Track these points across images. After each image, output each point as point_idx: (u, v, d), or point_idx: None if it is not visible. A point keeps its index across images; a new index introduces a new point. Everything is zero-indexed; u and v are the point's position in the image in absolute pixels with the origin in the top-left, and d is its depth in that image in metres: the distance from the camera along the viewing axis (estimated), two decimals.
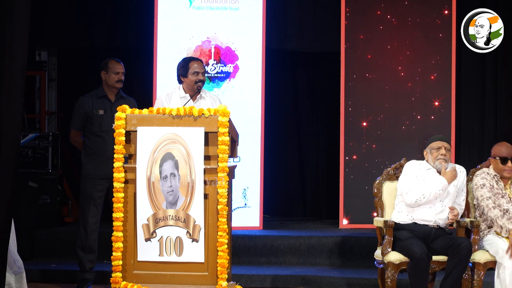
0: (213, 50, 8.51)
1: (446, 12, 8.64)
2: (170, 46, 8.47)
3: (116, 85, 7.31)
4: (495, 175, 6.65)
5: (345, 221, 8.64)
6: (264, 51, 8.53)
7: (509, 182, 6.65)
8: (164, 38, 8.48)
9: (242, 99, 8.50)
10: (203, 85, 6.94)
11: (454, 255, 6.34)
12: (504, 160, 6.59)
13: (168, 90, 7.18)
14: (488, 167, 6.73)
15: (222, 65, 8.51)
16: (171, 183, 6.10)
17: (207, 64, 8.44)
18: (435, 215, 6.51)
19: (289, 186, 9.63)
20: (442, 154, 6.52)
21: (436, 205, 6.51)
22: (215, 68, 8.48)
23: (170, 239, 6.13)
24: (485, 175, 6.64)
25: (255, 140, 8.49)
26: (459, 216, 6.57)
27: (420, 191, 6.48)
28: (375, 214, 6.91)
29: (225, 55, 8.52)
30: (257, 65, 8.50)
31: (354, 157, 8.68)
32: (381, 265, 6.61)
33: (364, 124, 8.70)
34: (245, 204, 8.45)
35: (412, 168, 6.61)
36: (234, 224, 6.65)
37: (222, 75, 8.53)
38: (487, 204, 6.56)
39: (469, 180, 6.76)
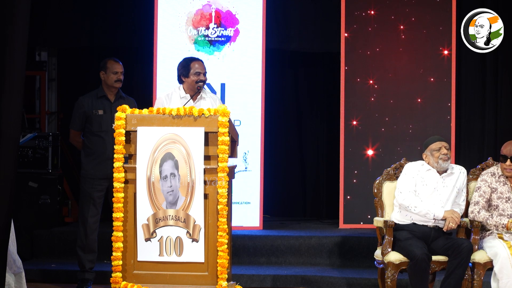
0: (213, 14, 8.53)
1: (446, 12, 8.64)
2: (171, 11, 8.48)
3: (115, 85, 7.31)
4: (501, 175, 6.62)
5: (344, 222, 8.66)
6: (264, 51, 8.53)
7: None
8: (164, 38, 8.48)
9: (242, 62, 8.53)
10: (204, 85, 6.95)
11: (455, 256, 6.34)
12: (503, 158, 6.57)
13: (168, 90, 7.19)
14: (497, 165, 6.69)
15: (223, 29, 8.53)
16: (171, 183, 6.10)
17: (208, 28, 8.47)
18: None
19: (289, 186, 9.63)
20: (444, 154, 6.52)
21: (436, 206, 6.51)
22: (215, 32, 8.50)
23: (170, 239, 6.13)
24: (487, 177, 6.60)
25: (255, 140, 8.50)
26: (459, 217, 6.55)
27: (416, 202, 6.47)
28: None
29: (225, 19, 8.53)
30: (258, 29, 8.52)
31: (354, 157, 8.68)
32: (381, 265, 6.61)
33: (364, 124, 8.69)
34: (246, 168, 8.46)
35: (411, 169, 6.61)
36: (234, 224, 6.65)
37: (223, 38, 8.54)
38: (472, 210, 6.54)
39: (469, 180, 6.76)
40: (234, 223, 6.68)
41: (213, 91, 8.33)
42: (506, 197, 6.55)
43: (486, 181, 6.59)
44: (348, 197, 8.64)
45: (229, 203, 6.18)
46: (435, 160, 6.54)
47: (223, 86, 8.48)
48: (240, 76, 8.51)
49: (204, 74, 6.93)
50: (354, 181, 8.66)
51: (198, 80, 6.89)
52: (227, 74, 8.51)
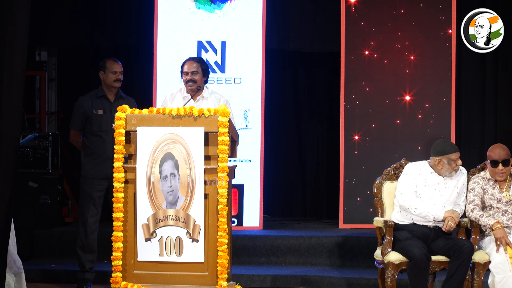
0: None
1: (446, 12, 8.64)
2: None
3: (114, 85, 7.31)
4: (490, 178, 6.64)
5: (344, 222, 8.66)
6: (264, 51, 8.53)
7: (505, 185, 6.62)
8: (164, 38, 8.48)
9: (243, 20, 8.52)
10: (196, 84, 6.90)
11: (457, 256, 6.33)
12: (494, 163, 6.56)
13: (174, 89, 7.21)
14: (485, 169, 6.72)
15: None
16: (171, 183, 6.10)
17: None
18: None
19: (289, 186, 9.63)
20: (458, 165, 6.52)
21: (436, 207, 6.51)
22: None
23: (170, 239, 6.13)
24: (478, 179, 6.62)
25: (256, 98, 8.51)
26: (459, 217, 6.55)
27: (416, 204, 6.46)
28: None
29: None
30: (258, 29, 8.51)
31: (354, 157, 8.68)
32: (381, 265, 6.61)
33: (364, 124, 8.69)
34: (246, 126, 8.46)
35: (411, 170, 6.59)
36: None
37: None
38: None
39: (469, 180, 6.76)
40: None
41: (214, 50, 8.36)
42: (497, 199, 6.56)
43: (478, 183, 6.62)
44: (348, 197, 8.65)
45: (229, 203, 6.18)
46: (450, 169, 6.50)
47: (223, 44, 8.50)
48: (240, 34, 8.51)
49: (193, 73, 6.90)
50: (354, 180, 8.66)
51: (186, 80, 6.91)
52: (227, 32, 8.51)
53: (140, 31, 9.07)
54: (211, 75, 8.25)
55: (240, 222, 8.45)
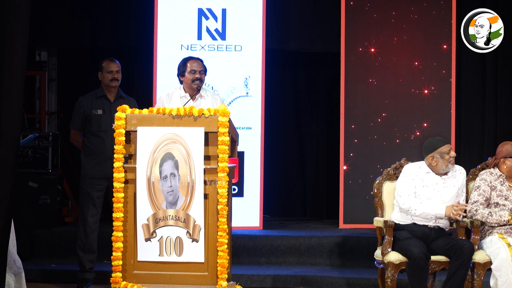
0: None
1: (446, 12, 8.64)
2: None
3: (111, 84, 7.30)
4: (501, 175, 6.62)
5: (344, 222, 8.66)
6: (264, 51, 8.53)
7: None
8: (164, 38, 8.48)
9: None
10: (202, 84, 6.94)
11: (457, 257, 6.32)
12: None
13: (169, 89, 7.20)
14: (493, 167, 6.69)
15: None
16: (171, 183, 6.10)
17: None
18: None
19: (289, 186, 9.63)
20: (452, 156, 6.52)
21: (436, 205, 6.50)
22: None
23: (170, 239, 6.13)
24: (486, 176, 6.60)
25: (256, 65, 8.52)
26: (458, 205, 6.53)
27: (416, 205, 6.45)
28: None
29: None
30: (258, 29, 8.52)
31: (354, 157, 8.68)
32: (381, 265, 6.61)
33: (364, 124, 8.69)
34: (247, 93, 8.47)
35: (409, 171, 6.59)
36: (234, 224, 6.66)
37: None
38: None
39: (469, 180, 6.76)
40: (234, 223, 6.67)
41: (214, 17, 8.37)
42: (505, 195, 6.55)
43: (486, 180, 6.60)
44: (348, 197, 8.65)
45: (229, 203, 6.18)
46: (445, 163, 6.51)
47: (224, 11, 8.51)
48: (241, 1, 8.51)
49: (201, 72, 6.92)
50: (354, 180, 8.66)
51: (194, 79, 6.90)
52: None
53: (140, 31, 9.08)
54: (212, 42, 8.36)
55: (241, 190, 8.45)
